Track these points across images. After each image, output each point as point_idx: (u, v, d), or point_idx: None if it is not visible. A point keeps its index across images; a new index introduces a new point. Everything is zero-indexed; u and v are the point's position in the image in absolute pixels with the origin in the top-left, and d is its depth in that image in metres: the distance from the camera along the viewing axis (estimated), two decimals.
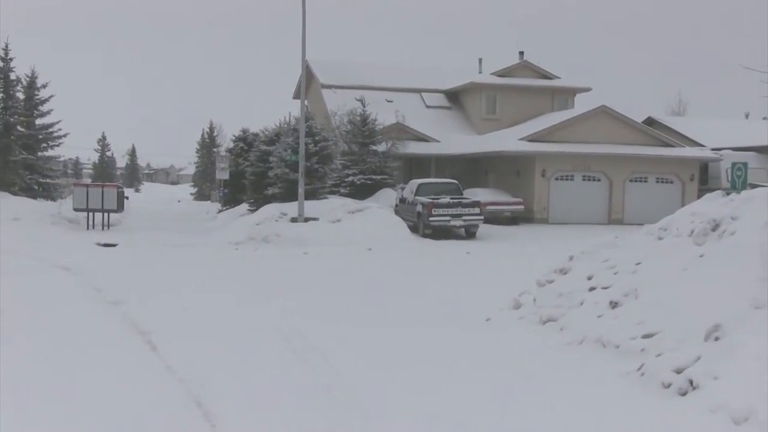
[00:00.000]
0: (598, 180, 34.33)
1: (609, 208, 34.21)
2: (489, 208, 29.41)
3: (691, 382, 6.69)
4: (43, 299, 12.50)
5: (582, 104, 39.79)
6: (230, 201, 38.55)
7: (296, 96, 43.19)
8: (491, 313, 11.04)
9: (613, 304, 9.15)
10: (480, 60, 44.15)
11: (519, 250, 22.07)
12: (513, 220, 31.72)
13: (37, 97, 36.65)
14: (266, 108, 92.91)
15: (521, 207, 32.16)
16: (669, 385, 6.84)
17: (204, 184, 77.13)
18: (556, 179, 33.84)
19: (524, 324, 10.19)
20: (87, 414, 6.60)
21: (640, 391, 7.00)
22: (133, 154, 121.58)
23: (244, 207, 34.01)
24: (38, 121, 36.84)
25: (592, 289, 9.99)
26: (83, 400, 6.95)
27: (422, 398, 7.07)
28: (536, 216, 33.04)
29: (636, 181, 34.62)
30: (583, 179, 34.26)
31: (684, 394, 6.67)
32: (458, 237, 26.48)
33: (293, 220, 25.18)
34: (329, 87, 41.30)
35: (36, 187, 35.03)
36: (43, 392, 7.18)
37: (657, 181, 34.91)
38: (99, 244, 22.22)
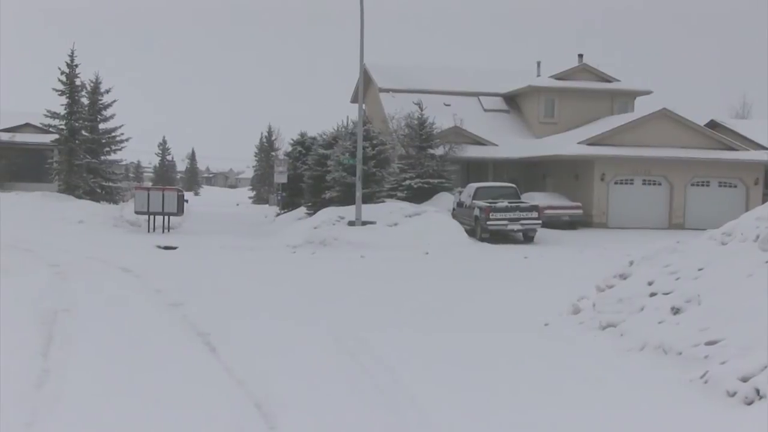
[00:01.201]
0: (659, 184, 33.80)
1: (670, 212, 33.66)
2: (547, 212, 29.16)
3: (757, 391, 6.54)
4: (107, 300, 12.71)
5: (642, 107, 39.20)
6: (288, 204, 38.84)
7: (354, 100, 43.36)
8: (550, 318, 10.94)
9: (675, 310, 9.00)
10: (538, 63, 43.85)
11: (577, 255, 21.83)
12: (571, 224, 31.39)
13: (100, 102, 37.46)
14: (324, 112, 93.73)
15: (580, 211, 31.82)
16: (734, 394, 6.70)
17: (262, 187, 77.83)
18: (616, 183, 33.43)
19: (583, 329, 10.07)
20: (147, 415, 6.70)
21: (704, 399, 6.87)
22: (192, 157, 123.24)
23: (301, 210, 34.23)
24: (101, 126, 37.65)
25: (652, 294, 9.84)
26: (145, 400, 7.06)
27: (482, 404, 7.03)
28: (595, 220, 32.67)
29: (698, 185, 34.00)
30: (643, 183, 33.79)
31: (750, 403, 6.53)
32: (516, 241, 26.31)
33: (351, 223, 25.27)
34: (387, 91, 41.37)
35: (99, 191, 35.81)
36: (106, 392, 7.31)
37: (720, 186, 34.24)
38: (159, 247, 22.53)
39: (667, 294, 9.53)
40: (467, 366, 8.42)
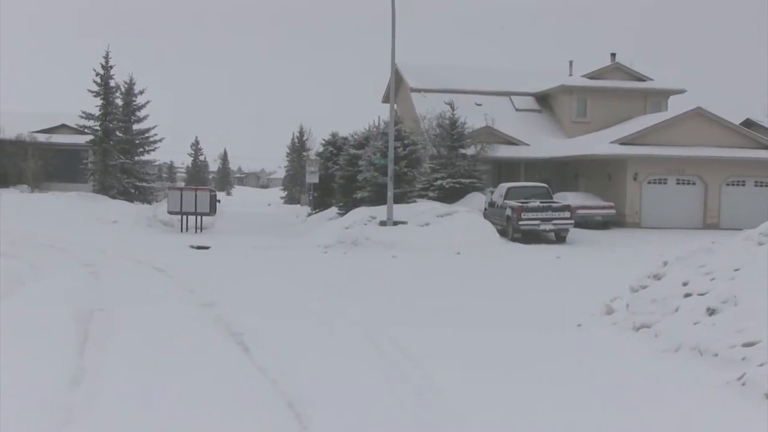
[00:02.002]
0: (693, 184, 33.46)
1: (704, 212, 33.31)
2: (579, 212, 29.00)
3: None
4: (141, 300, 12.82)
5: (676, 106, 38.82)
6: (320, 204, 38.96)
7: (385, 100, 43.40)
8: (583, 319, 10.87)
9: (711, 311, 8.90)
10: (570, 62, 43.62)
11: (610, 255, 21.67)
12: (604, 224, 31.17)
13: (134, 103, 37.86)
14: (356, 112, 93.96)
15: (612, 211, 31.59)
16: None
17: (294, 187, 78.20)
18: (649, 183, 33.15)
19: (617, 330, 10.00)
20: (182, 414, 6.74)
21: (742, 402, 6.78)
22: (224, 158, 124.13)
23: (333, 210, 34.32)
24: (135, 127, 38.05)
25: (687, 295, 9.73)
26: (179, 399, 7.11)
27: (515, 405, 6.99)
28: (628, 220, 32.43)
29: (733, 184, 33.61)
30: (677, 183, 33.47)
31: None
32: (548, 241, 26.18)
33: (382, 223, 25.27)
34: (418, 91, 41.33)
35: (132, 191, 36.19)
36: (142, 391, 7.37)
37: (756, 185, 33.82)
38: (192, 247, 22.68)
39: (702, 295, 9.42)
40: (500, 366, 8.39)
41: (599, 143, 34.14)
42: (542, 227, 25.79)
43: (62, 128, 42.75)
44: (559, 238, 26.43)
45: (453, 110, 35.40)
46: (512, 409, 6.89)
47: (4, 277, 14.58)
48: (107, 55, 36.02)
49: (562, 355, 8.91)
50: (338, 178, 33.53)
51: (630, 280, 11.55)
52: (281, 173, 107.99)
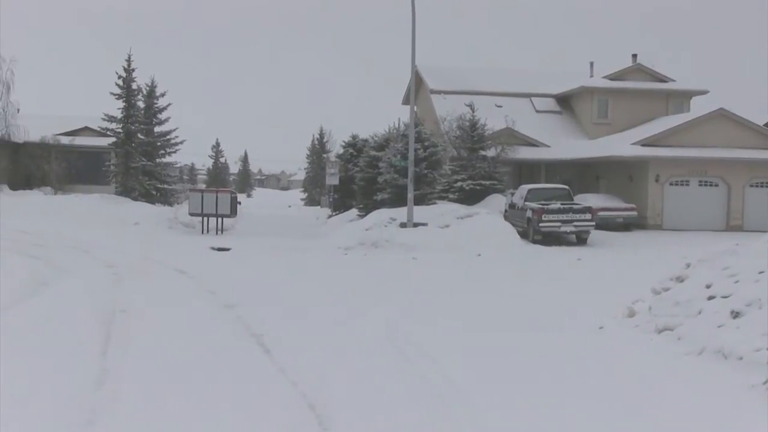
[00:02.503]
0: (716, 185, 33.21)
1: (727, 214, 33.04)
2: (600, 213, 28.87)
3: None
4: (162, 301, 12.89)
5: (698, 107, 38.54)
6: (340, 206, 38.99)
7: (405, 102, 43.34)
8: (604, 321, 10.82)
9: (735, 314, 8.83)
10: (591, 64, 43.39)
11: (632, 257, 21.55)
12: (625, 226, 31.02)
13: (156, 105, 38.09)
14: (376, 114, 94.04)
15: (634, 213, 31.43)
16: None
17: (314, 189, 78.35)
18: (671, 184, 32.94)
19: (639, 333, 9.94)
20: (203, 414, 6.77)
21: (767, 405, 6.73)
22: (245, 160, 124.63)
23: (353, 212, 34.32)
24: (157, 129, 38.28)
25: (711, 297, 9.66)
26: (201, 400, 7.14)
27: (537, 408, 6.97)
28: (650, 222, 32.25)
29: (757, 186, 33.32)
30: (700, 184, 33.23)
31: None
32: (569, 243, 26.08)
33: (402, 225, 25.25)
34: (438, 92, 41.28)
35: (154, 193, 36.41)
36: (164, 391, 7.40)
37: None
38: (213, 248, 22.75)
39: (726, 297, 9.35)
40: (521, 368, 8.36)
41: (621, 144, 33.98)
42: (563, 229, 25.69)
43: (85, 131, 43.10)
44: (580, 240, 26.32)
45: (473, 112, 35.35)
46: (533, 410, 6.87)
47: (28, 278, 14.72)
48: (129, 58, 36.30)
49: (583, 358, 8.87)
50: (358, 179, 33.52)
51: (652, 282, 11.49)
52: (301, 175, 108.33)
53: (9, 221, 26.49)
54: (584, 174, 38.07)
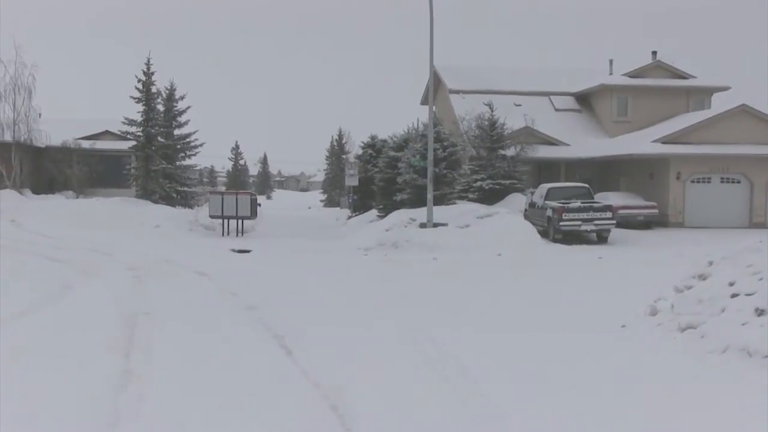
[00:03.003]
0: (738, 182, 32.94)
1: (750, 211, 32.77)
2: (621, 212, 28.73)
3: None
4: (184, 303, 12.94)
5: (720, 104, 38.25)
6: (359, 207, 39.02)
7: (424, 102, 43.35)
8: (626, 320, 10.77)
9: (759, 312, 8.75)
10: (611, 61, 43.23)
11: (653, 255, 21.41)
12: (646, 224, 30.85)
13: (175, 108, 38.27)
14: (394, 114, 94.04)
15: (655, 211, 31.24)
16: None
17: (333, 190, 78.43)
18: (692, 182, 32.72)
19: (662, 331, 9.87)
20: (226, 416, 6.81)
21: None
22: (264, 162, 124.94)
23: (373, 213, 34.34)
24: (176, 132, 38.45)
25: (734, 295, 9.57)
26: (223, 402, 7.17)
27: (561, 409, 6.94)
28: (671, 220, 32.05)
29: None
30: (722, 181, 32.99)
31: None
32: (589, 242, 25.97)
33: (422, 225, 25.23)
34: (457, 92, 41.26)
35: (174, 195, 36.55)
36: (186, 393, 7.45)
37: None
38: (234, 250, 22.83)
39: (750, 295, 9.26)
40: (545, 368, 8.32)
41: (641, 142, 33.80)
42: (583, 228, 25.60)
43: (105, 134, 43.41)
44: (601, 238, 26.21)
45: (492, 111, 35.29)
46: (556, 413, 6.85)
47: (52, 282, 14.84)
48: (149, 61, 36.46)
49: (606, 357, 8.83)
50: (378, 180, 33.54)
51: (674, 280, 11.40)
52: (321, 176, 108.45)
53: (32, 225, 26.77)
54: (604, 172, 37.90)
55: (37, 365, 8.40)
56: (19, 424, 6.49)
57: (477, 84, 41.56)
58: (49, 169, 41.78)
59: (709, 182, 32.88)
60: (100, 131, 43.81)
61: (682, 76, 40.63)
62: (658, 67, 40.72)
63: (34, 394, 7.28)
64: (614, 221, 26.03)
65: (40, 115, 40.23)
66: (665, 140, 32.67)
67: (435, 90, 33.54)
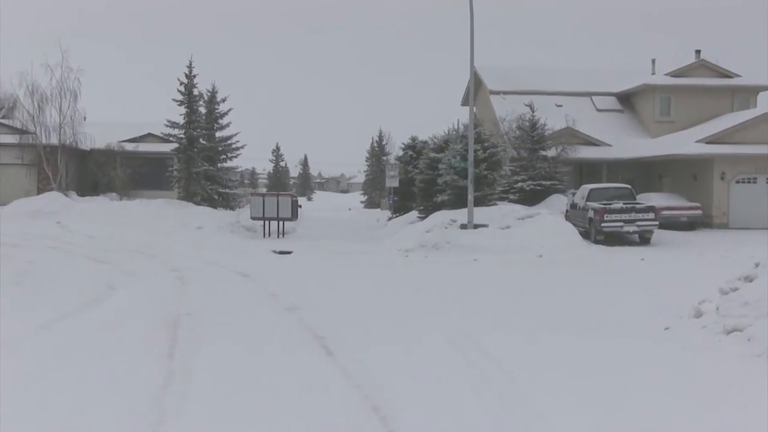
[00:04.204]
0: None
1: None
2: (664, 213, 28.41)
3: None
4: (226, 304, 13.07)
5: (766, 103, 37.65)
6: (400, 208, 39.02)
7: (464, 103, 43.27)
8: (670, 322, 10.65)
9: None
10: (653, 61, 42.77)
11: (697, 257, 21.14)
12: (690, 225, 30.47)
13: (217, 110, 38.59)
14: (435, 115, 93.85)
15: (699, 212, 30.84)
16: None
17: (373, 192, 78.57)
18: (737, 182, 32.23)
19: (706, 334, 9.74)
20: (268, 416, 6.85)
21: None
22: (305, 163, 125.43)
23: (413, 214, 34.31)
24: (218, 134, 38.77)
25: None
26: (266, 402, 7.22)
27: (606, 414, 6.86)
28: (715, 221, 31.61)
29: None
30: None
31: None
32: (631, 243, 25.70)
33: (463, 227, 25.17)
34: (497, 93, 41.10)
35: (216, 197, 36.83)
36: (229, 393, 7.51)
37: None
38: (274, 252, 22.96)
39: None
40: (589, 372, 8.25)
41: (684, 143, 33.38)
42: (626, 229, 25.35)
43: (148, 137, 43.88)
44: (644, 239, 25.93)
45: (533, 112, 35.13)
46: (600, 418, 6.79)
47: (97, 283, 15.07)
48: (191, 64, 36.80)
49: (651, 361, 8.73)
50: (418, 181, 33.51)
51: (719, 282, 11.25)
52: (361, 178, 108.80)
53: (77, 227, 27.21)
54: (647, 173, 37.50)
55: (83, 365, 8.53)
56: (65, 423, 6.60)
57: (517, 84, 41.36)
58: (93, 172, 42.36)
59: (754, 183, 32.35)
60: (143, 134, 44.30)
61: (727, 75, 40.04)
62: (701, 66, 40.18)
63: (80, 394, 7.40)
64: (657, 222, 25.74)
65: (84, 118, 40.80)
66: (709, 140, 32.23)
67: (475, 91, 33.49)
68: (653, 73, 41.59)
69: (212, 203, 35.99)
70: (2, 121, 44.69)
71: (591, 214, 26.02)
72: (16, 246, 21.75)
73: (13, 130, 40.17)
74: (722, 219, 31.84)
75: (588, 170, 37.90)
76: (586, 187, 28.45)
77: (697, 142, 32.45)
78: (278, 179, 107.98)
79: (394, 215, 39.46)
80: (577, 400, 7.19)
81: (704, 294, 11.38)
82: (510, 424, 6.59)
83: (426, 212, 31.08)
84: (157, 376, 8.03)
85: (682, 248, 24.20)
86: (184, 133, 36.34)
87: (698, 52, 40.79)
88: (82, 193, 39.97)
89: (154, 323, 11.05)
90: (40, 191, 37.90)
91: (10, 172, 40.23)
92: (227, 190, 38.41)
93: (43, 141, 38.41)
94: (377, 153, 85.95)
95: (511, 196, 32.49)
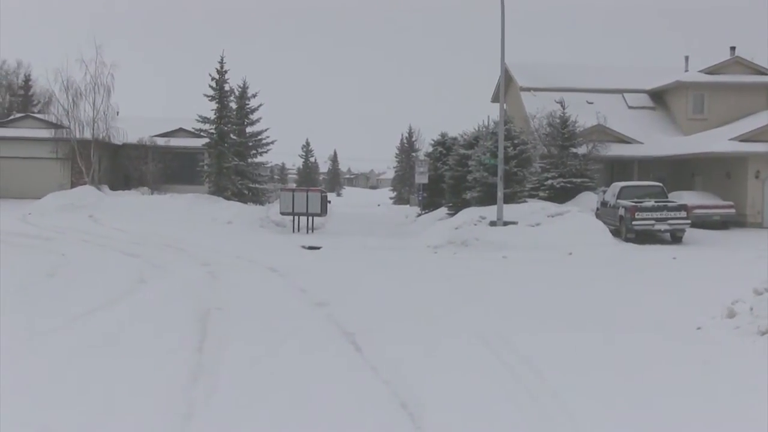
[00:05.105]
0: None
1: None
2: (696, 211, 28.11)
3: None
4: (255, 299, 13.12)
5: None
6: (429, 205, 38.96)
7: (495, 99, 43.10)
8: (702, 322, 10.54)
9: None
10: (686, 58, 42.27)
11: (730, 256, 20.87)
12: (723, 224, 30.11)
13: (247, 106, 38.81)
14: (464, 112, 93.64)
15: (732, 210, 30.47)
16: None
17: (403, 188, 78.63)
18: None
19: (740, 334, 9.63)
20: (297, 411, 6.88)
21: None
22: (334, 159, 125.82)
23: (442, 211, 34.25)
24: (248, 129, 38.99)
25: None
26: (294, 397, 7.25)
27: (637, 416, 6.81)
28: (749, 220, 31.22)
29: None
30: None
31: None
32: (663, 242, 25.46)
33: (492, 224, 25.09)
34: (528, 90, 40.88)
35: (246, 192, 37.05)
36: (258, 387, 7.55)
37: None
38: (304, 247, 23.00)
39: None
40: (619, 371, 8.19)
41: (717, 141, 32.98)
42: (657, 227, 25.12)
43: (180, 132, 44.28)
44: (675, 238, 25.68)
45: (564, 109, 34.90)
46: (631, 419, 6.74)
47: (128, 276, 15.21)
48: (222, 60, 37.03)
49: (683, 361, 8.64)
50: (448, 178, 33.43)
51: (753, 282, 11.12)
52: (390, 174, 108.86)
53: (109, 220, 27.48)
54: (679, 171, 37.11)
55: (113, 358, 8.62)
56: (95, 414, 6.67)
57: (548, 81, 41.10)
58: (125, 166, 42.80)
59: None
60: (175, 129, 44.72)
61: (762, 72, 39.42)
62: (736, 63, 39.64)
63: (111, 386, 7.47)
64: (689, 221, 25.47)
65: (117, 113, 41.24)
66: (743, 138, 31.81)
67: (506, 87, 33.33)
68: (686, 70, 41.10)
69: (242, 198, 36.20)
70: (38, 115, 45.44)
71: (622, 212, 25.83)
72: (49, 239, 22.01)
73: (48, 124, 40.72)
74: (756, 218, 31.44)
75: (619, 168, 37.60)
76: (617, 185, 28.23)
77: (731, 140, 32.05)
78: (308, 175, 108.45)
79: (423, 211, 39.41)
80: (608, 401, 7.14)
81: (737, 294, 11.26)
82: (540, 423, 6.56)
83: (455, 209, 31.02)
84: (187, 369, 8.09)
85: (714, 247, 23.93)
86: (215, 129, 36.58)
87: (733, 48, 40.25)
88: (114, 187, 40.38)
89: (184, 317, 11.12)
90: (73, 185, 38.34)
91: (44, 166, 40.79)
92: (257, 185, 38.61)
93: (77, 135, 38.88)
94: (407, 149, 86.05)
95: (541, 194, 32.29)
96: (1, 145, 41.75)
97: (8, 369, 7.94)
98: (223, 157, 36.15)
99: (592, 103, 39.10)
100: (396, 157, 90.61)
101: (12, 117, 47.72)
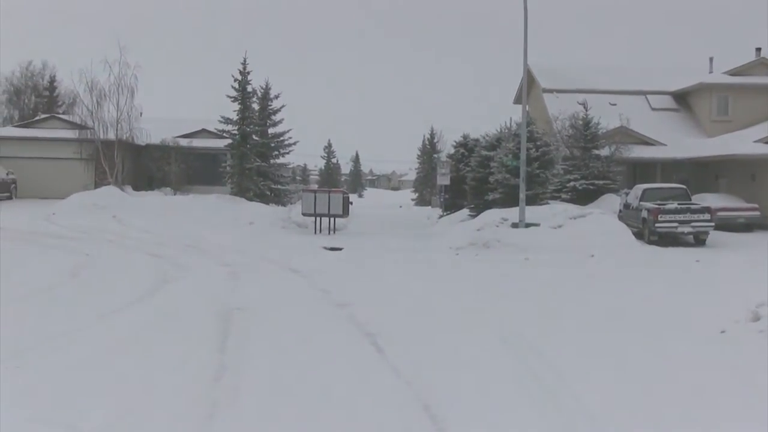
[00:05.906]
0: None
1: None
2: (720, 214, 27.87)
3: None
4: (277, 300, 13.16)
5: None
6: (451, 206, 38.88)
7: (517, 101, 43.00)
8: (726, 325, 10.46)
9: None
10: (710, 59, 42.02)
11: (754, 259, 20.64)
12: (747, 227, 29.83)
13: (270, 107, 38.96)
14: (487, 114, 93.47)
15: (757, 213, 30.18)
16: None
17: (425, 189, 78.54)
18: None
19: (764, 338, 9.55)
20: (318, 412, 6.90)
21: None
22: (356, 160, 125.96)
23: (464, 212, 34.17)
24: (271, 130, 39.13)
25: None
26: (316, 398, 7.27)
27: (655, 415, 6.80)
28: None
29: None
30: None
31: None
32: (686, 244, 25.28)
33: (514, 225, 25.03)
34: (550, 91, 40.76)
35: (268, 193, 37.21)
36: (279, 388, 7.58)
37: None
38: (325, 248, 23.04)
39: None
40: (641, 375, 8.15)
41: (742, 143, 32.73)
42: (680, 230, 24.97)
43: (202, 133, 44.52)
44: (699, 241, 25.51)
45: (586, 110, 34.77)
46: (653, 420, 6.71)
47: (151, 276, 15.32)
48: (245, 61, 37.20)
49: (706, 363, 8.59)
50: (469, 179, 33.35)
51: None
52: (412, 175, 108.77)
53: (132, 221, 27.67)
54: (702, 173, 36.85)
55: (136, 357, 8.69)
56: (120, 414, 6.73)
57: (571, 83, 40.97)
58: (148, 167, 43.08)
59: None
60: (198, 129, 44.97)
61: None
62: (762, 65, 39.32)
63: (134, 385, 7.54)
64: (713, 223, 25.29)
65: (141, 114, 41.52)
66: None
67: (528, 89, 33.20)
68: (711, 72, 40.84)
69: (264, 199, 36.34)
70: (62, 116, 45.84)
71: (645, 214, 25.69)
72: (73, 239, 22.22)
73: (73, 125, 41.08)
74: None
75: (642, 170, 37.39)
76: (640, 187, 28.09)
77: (756, 142, 31.80)
78: (330, 176, 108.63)
79: (444, 213, 39.34)
80: (631, 404, 7.11)
81: (762, 297, 11.17)
82: (562, 428, 6.54)
83: (477, 210, 30.95)
84: (209, 368, 8.14)
85: (738, 250, 23.72)
86: (238, 129, 36.76)
87: (758, 50, 39.95)
88: (137, 188, 40.66)
89: (206, 317, 11.19)
90: (97, 185, 38.61)
91: (68, 166, 41.15)
92: (279, 186, 38.75)
93: (101, 136, 39.18)
94: (429, 150, 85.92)
95: (564, 196, 32.15)
96: (26, 145, 42.17)
97: (33, 368, 8.04)
98: (246, 158, 36.31)
99: (615, 104, 38.93)
100: (418, 159, 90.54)
101: (37, 118, 48.23)
